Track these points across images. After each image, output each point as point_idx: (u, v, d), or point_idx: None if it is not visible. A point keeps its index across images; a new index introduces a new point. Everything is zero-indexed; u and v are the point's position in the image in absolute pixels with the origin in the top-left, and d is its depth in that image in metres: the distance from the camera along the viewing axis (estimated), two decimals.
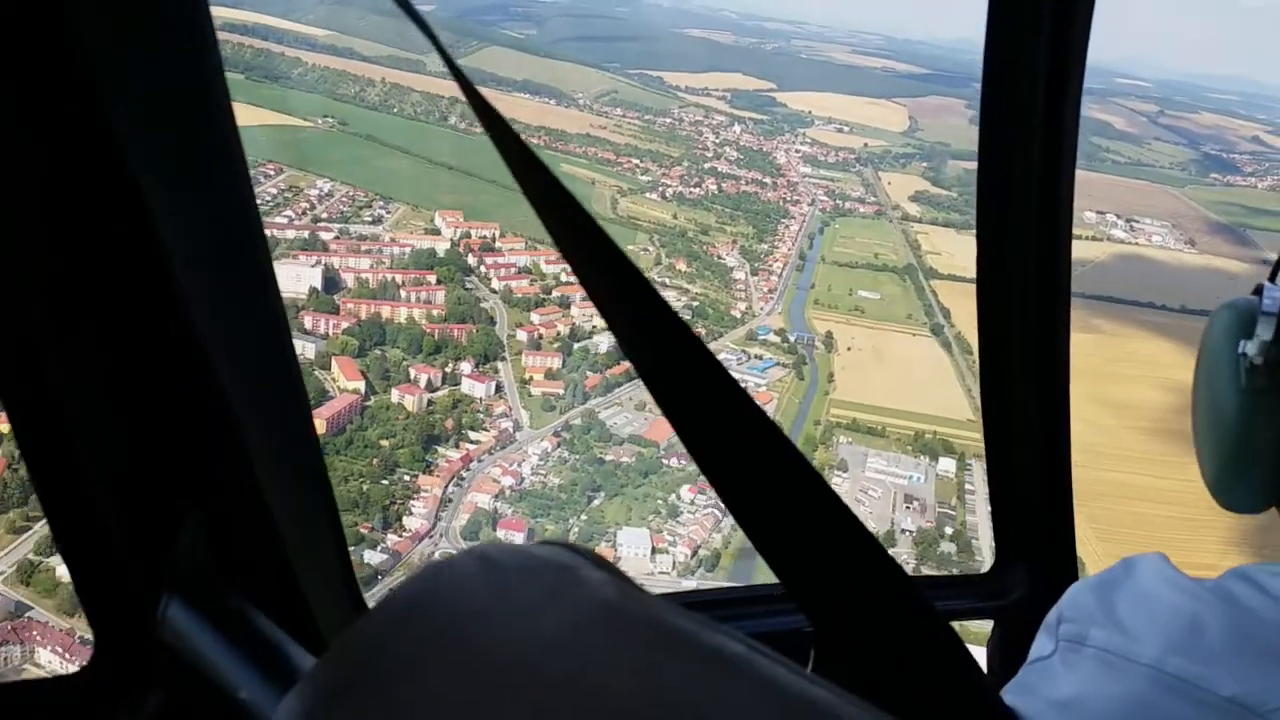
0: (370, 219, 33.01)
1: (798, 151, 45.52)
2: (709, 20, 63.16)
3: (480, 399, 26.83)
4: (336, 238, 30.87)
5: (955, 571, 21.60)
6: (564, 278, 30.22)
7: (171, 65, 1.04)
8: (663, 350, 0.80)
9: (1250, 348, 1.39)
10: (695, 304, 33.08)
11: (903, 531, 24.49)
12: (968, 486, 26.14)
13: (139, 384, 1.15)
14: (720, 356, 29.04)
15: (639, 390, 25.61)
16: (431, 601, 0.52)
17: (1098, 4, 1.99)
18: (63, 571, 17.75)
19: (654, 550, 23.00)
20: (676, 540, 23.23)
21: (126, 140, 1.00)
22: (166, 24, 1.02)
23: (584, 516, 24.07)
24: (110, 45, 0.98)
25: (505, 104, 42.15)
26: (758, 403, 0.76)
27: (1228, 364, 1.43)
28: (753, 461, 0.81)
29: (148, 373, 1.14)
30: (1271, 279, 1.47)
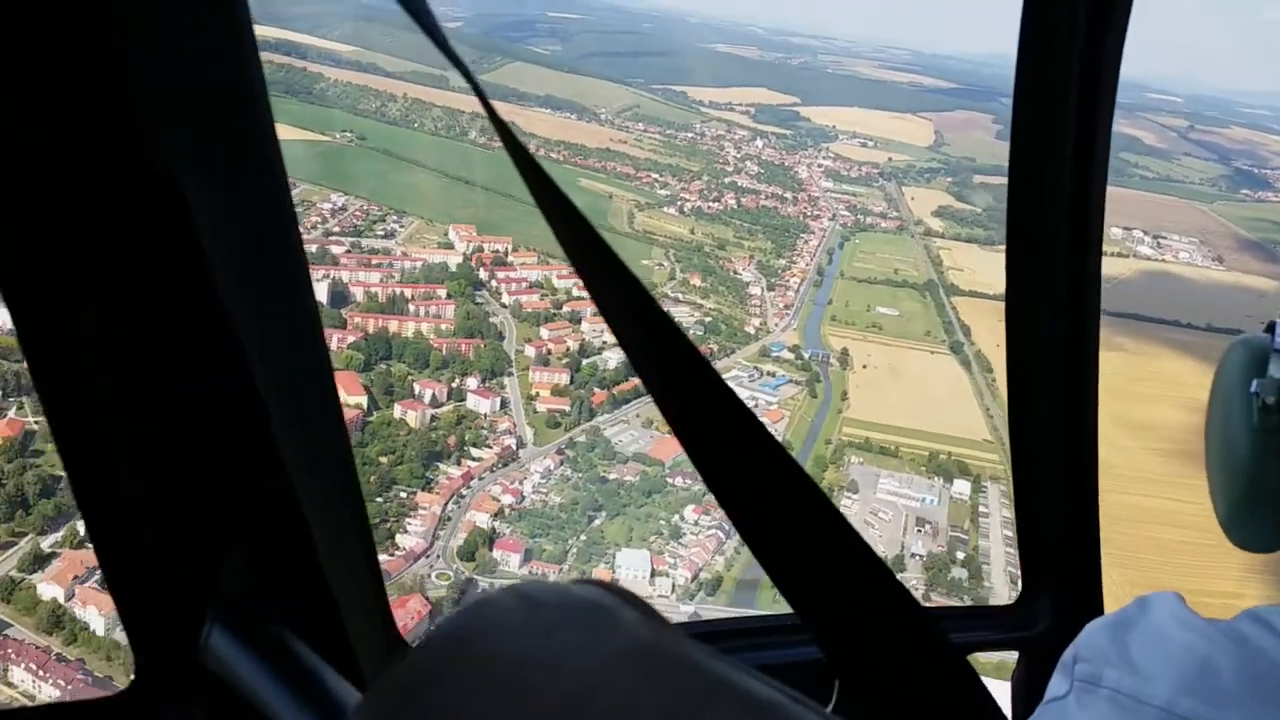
0: (383, 233, 32.99)
1: (820, 166, 45.28)
2: (735, 35, 63.32)
3: (485, 415, 26.58)
4: (347, 251, 30.85)
5: (965, 599, 21.22)
6: (575, 292, 30.02)
7: (214, 77, 1.05)
8: (672, 373, 0.82)
9: (1263, 387, 1.41)
10: (708, 319, 32.70)
11: (913, 556, 23.83)
12: (982, 509, 25.51)
13: (185, 418, 1.17)
14: (731, 373, 29.06)
15: (647, 407, 25.29)
16: (474, 639, 0.54)
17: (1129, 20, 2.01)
18: (43, 589, 17.81)
19: (653, 573, 22.54)
20: (677, 562, 22.79)
21: (172, 161, 1.01)
22: (206, 27, 1.02)
23: (583, 537, 23.65)
24: (154, 60, 0.98)
25: (525, 119, 42.31)
26: (767, 429, 0.79)
27: (1240, 402, 1.44)
28: (762, 487, 0.81)
29: (194, 408, 1.17)
30: None
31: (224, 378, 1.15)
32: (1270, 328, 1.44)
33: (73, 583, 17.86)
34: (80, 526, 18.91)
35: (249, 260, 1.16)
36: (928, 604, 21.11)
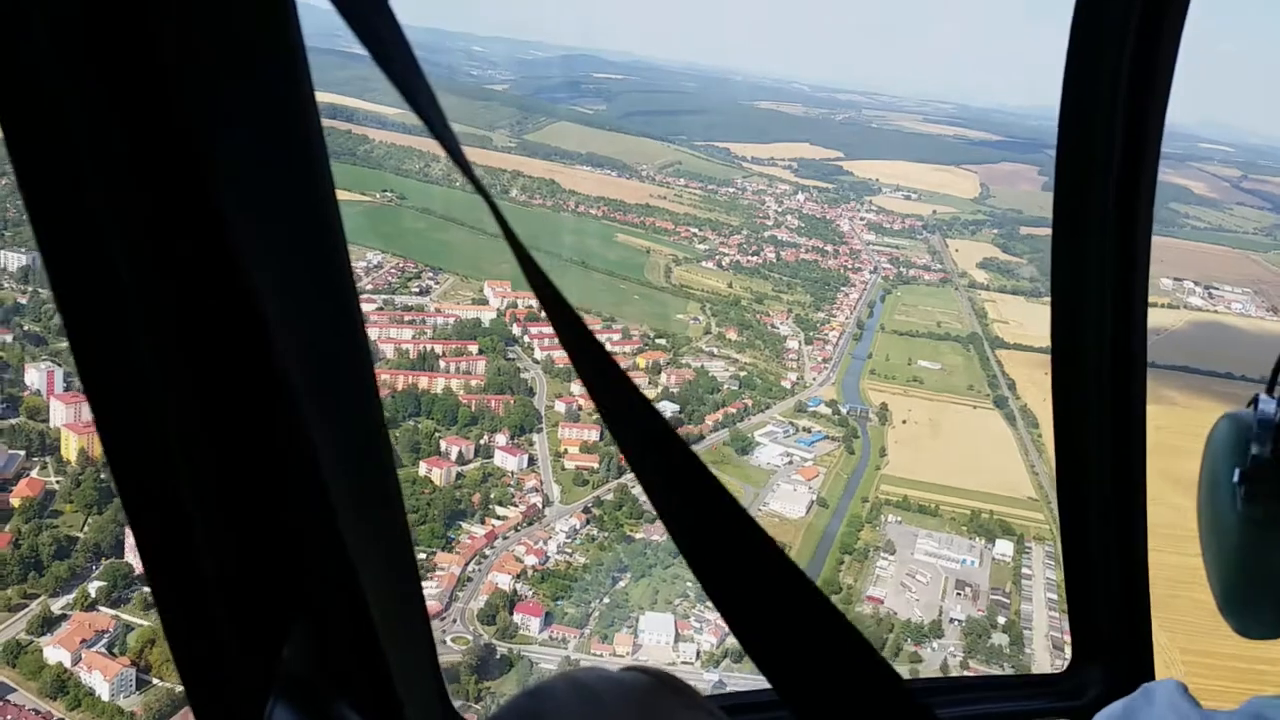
0: (418, 290, 33.05)
1: (862, 219, 44.96)
2: (779, 93, 63.60)
3: (512, 472, 26.21)
4: (379, 309, 30.86)
5: (1005, 666, 20.33)
6: (609, 347, 29.68)
7: (276, 152, 1.06)
8: (650, 451, 0.82)
9: (1244, 475, 1.34)
10: (743, 374, 32.13)
11: (951, 621, 22.80)
12: (1024, 571, 24.42)
13: (256, 495, 1.18)
14: (767, 429, 28.39)
15: None
16: None
17: (1178, 69, 2.00)
18: (50, 653, 17.54)
19: (677, 637, 21.82)
20: (703, 627, 22.00)
21: (243, 247, 1.03)
22: (265, 85, 1.03)
23: (607, 599, 23.04)
24: (217, 118, 0.99)
25: (567, 176, 42.53)
26: (759, 523, 0.79)
27: (1225, 486, 1.37)
28: (753, 577, 0.80)
29: (264, 486, 1.18)
30: (1269, 389, 1.39)
31: (298, 472, 1.16)
32: (1254, 401, 1.38)
33: (80, 646, 17.69)
34: (91, 588, 18.91)
35: (318, 362, 1.16)
36: (973, 673, 20.34)
